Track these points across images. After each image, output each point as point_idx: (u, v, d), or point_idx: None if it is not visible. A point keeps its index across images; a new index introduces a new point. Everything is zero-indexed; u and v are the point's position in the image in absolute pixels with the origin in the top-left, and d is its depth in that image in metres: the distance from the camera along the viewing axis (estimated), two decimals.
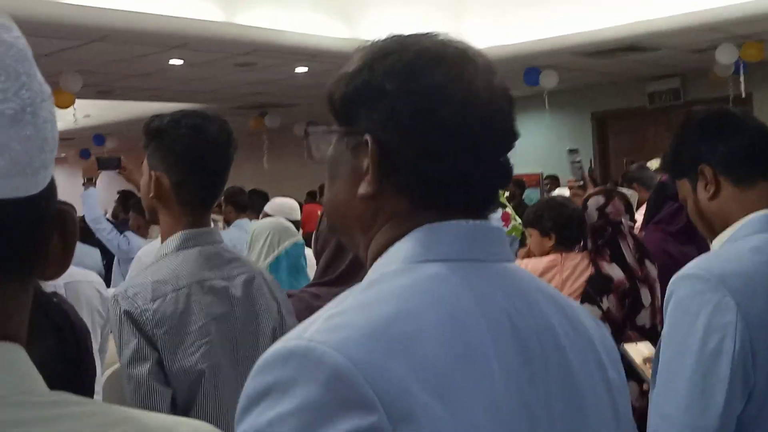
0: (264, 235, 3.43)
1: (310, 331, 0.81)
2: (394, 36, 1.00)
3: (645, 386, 2.41)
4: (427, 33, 1.00)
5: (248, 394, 0.81)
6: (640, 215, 4.36)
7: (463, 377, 0.83)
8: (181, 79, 9.41)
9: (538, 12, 8.10)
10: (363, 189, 0.94)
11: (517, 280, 0.97)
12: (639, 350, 2.55)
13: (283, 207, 4.68)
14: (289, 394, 0.78)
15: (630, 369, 2.14)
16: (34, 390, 0.60)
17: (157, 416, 0.65)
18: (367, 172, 0.94)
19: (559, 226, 3.41)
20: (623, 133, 11.85)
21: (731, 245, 1.65)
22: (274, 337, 1.91)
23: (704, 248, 3.73)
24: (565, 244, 3.40)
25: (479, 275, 0.92)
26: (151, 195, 1.96)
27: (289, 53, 7.97)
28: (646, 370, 2.40)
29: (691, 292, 1.55)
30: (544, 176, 10.59)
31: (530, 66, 9.24)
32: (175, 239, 1.94)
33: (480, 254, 0.94)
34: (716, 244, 1.71)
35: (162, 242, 1.99)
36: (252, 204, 5.92)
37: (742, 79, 8.80)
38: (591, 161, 10.94)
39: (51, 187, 0.64)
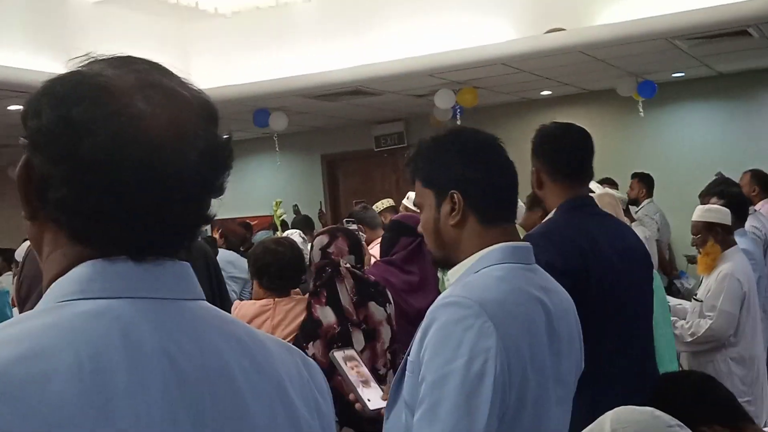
0: None
1: None
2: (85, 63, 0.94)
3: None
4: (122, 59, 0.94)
5: None
6: (375, 252, 4.47)
7: (95, 420, 0.75)
8: None
9: (266, 54, 8.13)
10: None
11: (193, 320, 0.89)
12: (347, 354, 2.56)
13: None
14: None
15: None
16: None
17: None
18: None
19: (262, 272, 3.36)
20: (352, 175, 12.15)
21: (476, 276, 1.71)
22: None
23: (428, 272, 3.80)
24: (276, 289, 3.33)
25: (141, 313, 0.84)
26: None
27: (1, 89, 7.42)
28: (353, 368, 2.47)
29: (455, 317, 1.58)
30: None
31: (260, 108, 9.25)
32: None
33: (152, 291, 0.87)
34: (453, 273, 1.78)
35: None
36: None
37: (458, 122, 9.31)
38: (321, 203, 11.10)
39: None
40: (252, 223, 9.87)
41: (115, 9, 7.49)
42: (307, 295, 3.29)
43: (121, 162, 0.85)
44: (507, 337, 1.58)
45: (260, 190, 11.85)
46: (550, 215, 2.71)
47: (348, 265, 3.31)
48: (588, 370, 1.88)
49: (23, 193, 0.89)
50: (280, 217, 8.27)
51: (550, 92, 10.01)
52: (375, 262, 4.10)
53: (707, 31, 6.99)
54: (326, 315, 3.15)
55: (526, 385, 1.60)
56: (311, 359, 1.06)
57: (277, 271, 3.31)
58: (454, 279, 1.77)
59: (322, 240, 3.39)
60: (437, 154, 1.80)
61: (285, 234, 7.35)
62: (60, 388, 0.74)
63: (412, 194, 5.58)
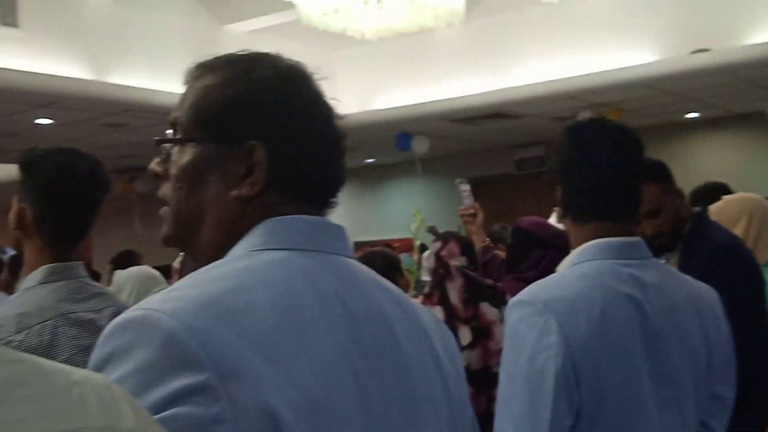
0: (129, 283, 3.37)
1: (148, 303, 0.88)
2: (243, 54, 1.10)
3: None
4: (266, 53, 1.11)
5: (92, 365, 0.86)
6: None
7: (291, 344, 0.89)
8: (48, 140, 9.17)
9: (410, 78, 8.34)
10: (245, 190, 1.03)
11: (352, 272, 1.05)
12: None
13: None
14: (128, 358, 0.83)
15: None
16: None
17: (51, 361, 0.67)
18: (249, 174, 1.02)
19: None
20: (492, 199, 12.19)
21: (566, 270, 1.76)
22: None
23: None
24: None
25: (315, 263, 1.00)
26: (14, 226, 1.96)
27: (162, 113, 7.91)
28: None
29: (521, 316, 1.65)
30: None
31: (402, 132, 9.46)
32: (39, 273, 1.93)
33: (320, 246, 1.03)
34: (561, 266, 1.82)
35: (26, 276, 1.96)
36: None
37: None
38: (459, 227, 11.16)
39: None
40: (394, 246, 10.07)
41: (268, 37, 7.89)
42: (421, 297, 3.44)
43: (329, 131, 1.07)
44: (574, 334, 1.60)
45: (402, 214, 12.05)
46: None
47: (458, 264, 3.44)
48: None
49: (262, 175, 1.03)
50: (418, 229, 8.39)
51: (696, 114, 9.80)
52: (506, 278, 4.13)
53: None
54: (436, 314, 3.28)
55: (603, 384, 1.61)
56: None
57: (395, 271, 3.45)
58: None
59: (435, 246, 3.56)
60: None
61: (424, 255, 7.48)
62: (263, 317, 0.88)
63: (556, 209, 5.61)
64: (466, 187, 4.17)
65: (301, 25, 6.49)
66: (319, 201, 1.07)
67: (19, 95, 6.87)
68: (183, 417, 0.80)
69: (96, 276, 7.28)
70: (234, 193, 1.03)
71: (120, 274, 3.62)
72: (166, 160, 1.09)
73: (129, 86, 7.25)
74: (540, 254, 3.69)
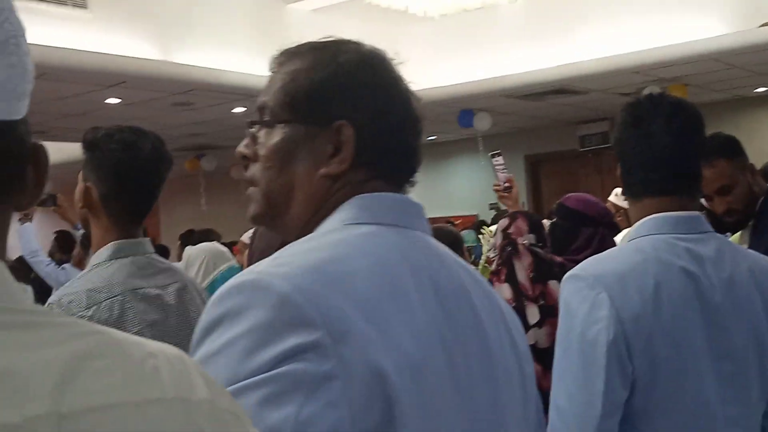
0: (199, 258, 3.46)
1: (257, 268, 0.93)
2: (326, 40, 1.16)
3: None
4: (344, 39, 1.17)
5: (202, 326, 0.91)
6: None
7: (391, 310, 0.95)
8: (117, 119, 9.34)
9: (472, 55, 8.32)
10: (334, 168, 1.08)
11: (434, 248, 1.10)
12: None
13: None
14: (241, 319, 0.88)
15: None
16: (19, 301, 0.64)
17: (125, 333, 0.69)
18: (336, 153, 1.08)
19: None
20: (555, 176, 12.12)
21: (623, 245, 1.80)
22: None
23: None
24: None
25: (404, 237, 1.06)
26: (80, 205, 2.01)
27: (227, 92, 8.03)
28: None
29: (573, 290, 1.68)
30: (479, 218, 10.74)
31: (464, 109, 9.44)
32: (107, 249, 1.98)
33: (404, 222, 1.08)
34: (619, 239, 1.83)
35: (94, 252, 2.02)
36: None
37: None
38: (523, 204, 11.13)
39: (27, 120, 0.69)
40: (456, 222, 10.07)
41: (331, 15, 7.94)
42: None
43: (410, 111, 1.13)
44: (625, 307, 1.62)
45: (464, 191, 12.06)
46: None
47: (526, 243, 3.41)
48: None
49: (349, 153, 1.08)
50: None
51: (764, 89, 9.59)
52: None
53: None
54: (503, 291, 3.28)
55: (657, 356, 1.62)
56: None
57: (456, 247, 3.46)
58: None
59: (503, 223, 3.53)
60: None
61: (487, 231, 7.46)
62: (363, 284, 0.94)
63: (618, 190, 5.53)
64: (499, 160, 4.12)
65: (364, 3, 6.52)
66: (401, 179, 1.12)
67: (89, 75, 7.03)
68: (296, 373, 0.85)
69: (165, 251, 7.46)
70: (323, 171, 1.08)
71: (191, 250, 3.72)
72: (254, 142, 1.14)
73: (195, 66, 7.37)
74: (589, 232, 3.53)
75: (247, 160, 1.15)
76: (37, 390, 0.58)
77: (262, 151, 1.13)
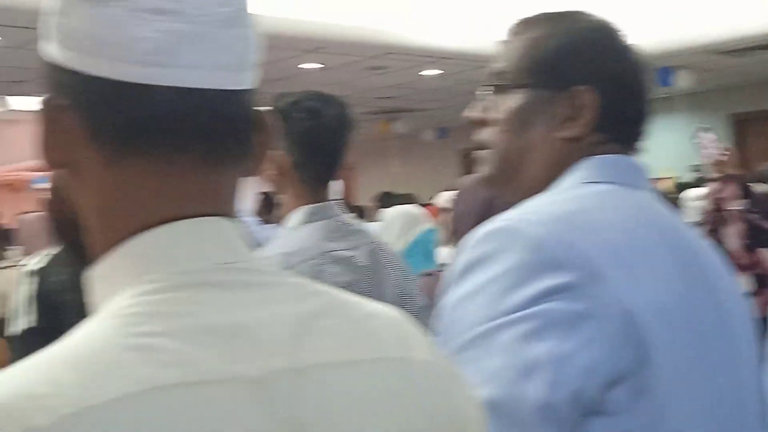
0: (398, 221, 3.53)
1: (509, 215, 0.99)
2: (560, 11, 1.21)
3: None
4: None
5: (459, 268, 0.97)
6: None
7: (639, 259, 0.98)
8: (315, 84, 9.64)
9: (671, 10, 7.95)
10: (576, 131, 1.12)
11: (664, 208, 1.13)
12: None
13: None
14: (496, 261, 0.94)
15: None
16: (254, 260, 0.68)
17: (346, 293, 0.72)
18: (575, 117, 1.12)
19: None
20: (762, 136, 11.43)
21: None
22: (399, 304, 1.99)
23: None
24: None
25: (639, 196, 1.10)
26: (272, 172, 2.05)
27: (417, 56, 8.10)
28: None
29: None
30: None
31: (664, 66, 9.06)
32: (299, 214, 2.03)
33: (634, 182, 1.12)
34: None
35: (286, 217, 2.08)
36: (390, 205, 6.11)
37: None
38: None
39: (253, 90, 0.72)
40: (656, 184, 9.74)
41: None
42: None
43: (642, 75, 1.17)
44: None
45: (664, 152, 11.61)
46: None
47: (739, 209, 3.26)
48: None
49: (590, 117, 1.11)
50: None
51: None
52: None
53: None
54: None
55: None
56: None
57: None
58: None
59: (713, 187, 3.39)
60: None
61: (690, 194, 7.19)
62: (610, 233, 0.98)
63: None
64: (708, 136, 3.92)
65: None
66: (631, 141, 1.16)
67: (286, 41, 7.26)
68: (552, 311, 0.90)
69: (360, 211, 7.66)
70: (564, 133, 1.12)
71: (388, 212, 3.81)
72: (487, 107, 1.19)
73: (389, 31, 7.46)
74: None
75: (477, 124, 1.20)
76: (273, 345, 0.62)
77: (498, 115, 1.17)
